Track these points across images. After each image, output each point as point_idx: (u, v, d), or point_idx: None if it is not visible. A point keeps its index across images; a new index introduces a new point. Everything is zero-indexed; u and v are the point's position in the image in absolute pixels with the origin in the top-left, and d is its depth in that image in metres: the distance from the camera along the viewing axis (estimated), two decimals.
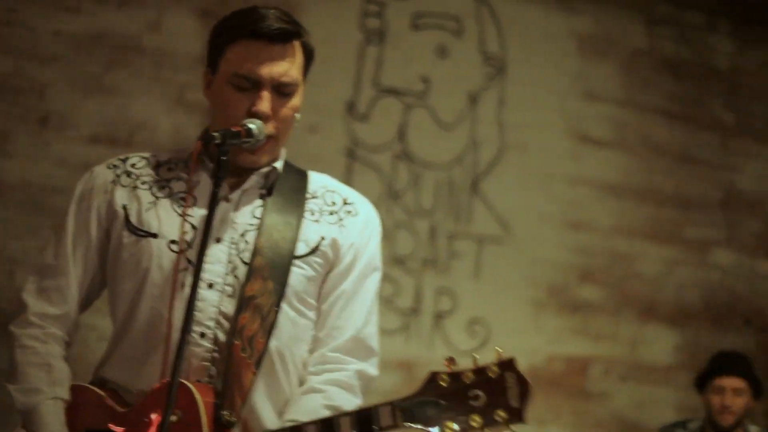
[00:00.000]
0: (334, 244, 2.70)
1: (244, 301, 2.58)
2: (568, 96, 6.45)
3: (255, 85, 2.59)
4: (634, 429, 6.36)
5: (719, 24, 6.96)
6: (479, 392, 2.29)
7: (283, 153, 2.75)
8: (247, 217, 2.67)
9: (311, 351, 2.69)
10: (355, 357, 2.68)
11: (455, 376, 2.32)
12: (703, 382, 5.62)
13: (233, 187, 2.67)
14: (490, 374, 2.30)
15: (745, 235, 6.94)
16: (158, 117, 5.45)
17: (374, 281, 2.78)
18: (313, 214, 2.72)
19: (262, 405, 2.60)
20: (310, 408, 2.57)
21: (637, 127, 6.64)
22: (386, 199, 5.90)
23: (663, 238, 6.67)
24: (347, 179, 5.69)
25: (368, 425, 2.38)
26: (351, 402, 2.60)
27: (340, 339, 2.68)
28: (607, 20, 6.61)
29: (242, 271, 2.61)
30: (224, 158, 2.49)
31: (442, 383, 2.32)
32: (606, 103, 6.56)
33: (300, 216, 2.70)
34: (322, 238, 2.69)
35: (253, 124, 2.55)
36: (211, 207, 2.48)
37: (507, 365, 2.31)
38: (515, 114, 6.26)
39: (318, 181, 2.80)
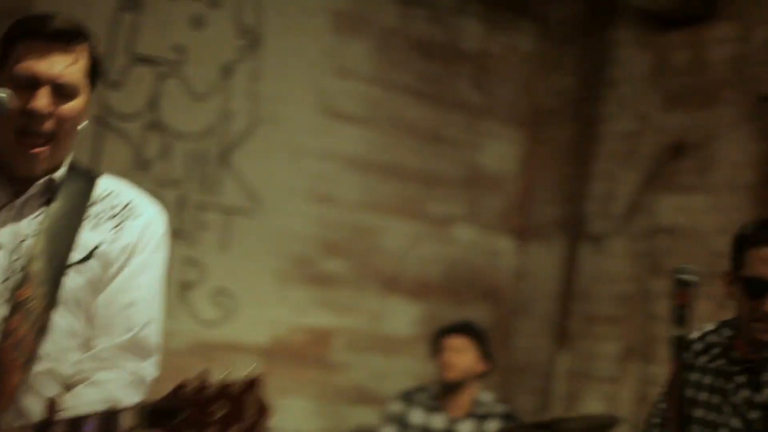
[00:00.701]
0: (111, 249, 2.72)
1: (16, 306, 2.60)
2: (320, 72, 6.51)
3: (34, 84, 2.60)
4: (375, 399, 6.50)
5: (469, 7, 7.16)
6: (221, 407, 2.34)
7: (68, 159, 2.75)
8: (27, 225, 2.67)
9: (86, 351, 2.70)
10: (131, 356, 2.70)
11: (201, 388, 2.36)
12: (433, 348, 5.81)
13: (17, 195, 2.68)
14: (234, 391, 2.34)
15: (485, 213, 7.19)
16: None
17: (151, 280, 2.79)
18: (93, 219, 2.73)
19: (30, 406, 2.60)
20: (87, 400, 2.58)
21: (387, 104, 6.77)
22: (135, 168, 5.84)
23: (407, 213, 6.83)
24: (96, 147, 5.63)
25: (113, 426, 2.40)
26: (130, 398, 2.62)
27: (115, 339, 2.69)
28: None
29: (18, 277, 2.63)
30: None
31: (188, 392, 2.36)
32: (358, 80, 6.66)
33: (79, 222, 2.71)
34: (99, 244, 2.70)
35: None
36: None
37: (251, 385, 2.36)
38: (268, 87, 6.28)
39: (105, 185, 2.81)
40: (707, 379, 3.66)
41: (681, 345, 3.33)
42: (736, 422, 3.56)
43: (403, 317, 6.80)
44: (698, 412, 3.64)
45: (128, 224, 2.76)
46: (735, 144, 6.21)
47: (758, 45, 6.18)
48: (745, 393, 3.57)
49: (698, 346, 3.74)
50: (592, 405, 6.62)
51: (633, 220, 6.70)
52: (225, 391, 2.36)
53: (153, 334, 2.75)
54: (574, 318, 6.91)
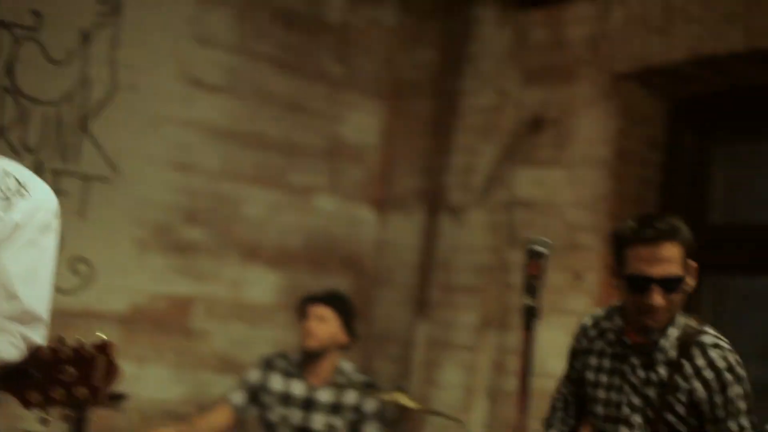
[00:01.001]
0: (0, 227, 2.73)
1: None
2: (181, 40, 6.46)
3: None
4: (234, 366, 6.51)
5: None
6: (71, 369, 2.39)
7: None
8: None
9: None
10: (17, 323, 2.72)
11: (54, 351, 2.42)
12: (298, 314, 5.85)
13: None
14: (85, 354, 2.40)
15: (346, 183, 7.24)
16: None
17: (35, 258, 2.81)
18: None
19: None
20: None
21: (248, 74, 6.76)
22: None
23: (268, 182, 6.84)
24: None
25: None
26: (15, 359, 2.64)
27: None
28: None
29: None
30: None
31: (42, 356, 2.42)
32: (219, 48, 6.62)
33: None
34: None
35: None
36: None
37: (102, 348, 2.43)
38: (128, 54, 6.20)
39: None
40: (606, 363, 3.91)
41: (531, 314, 3.45)
42: (636, 400, 3.78)
43: (263, 286, 6.82)
44: (601, 393, 3.89)
45: (18, 203, 2.78)
46: (591, 120, 6.35)
47: (615, 24, 6.32)
48: (641, 373, 3.78)
49: (593, 333, 3.99)
50: (451, 373, 6.73)
51: (492, 192, 6.80)
52: (77, 355, 2.42)
53: (37, 307, 2.78)
54: (434, 288, 7.01)
